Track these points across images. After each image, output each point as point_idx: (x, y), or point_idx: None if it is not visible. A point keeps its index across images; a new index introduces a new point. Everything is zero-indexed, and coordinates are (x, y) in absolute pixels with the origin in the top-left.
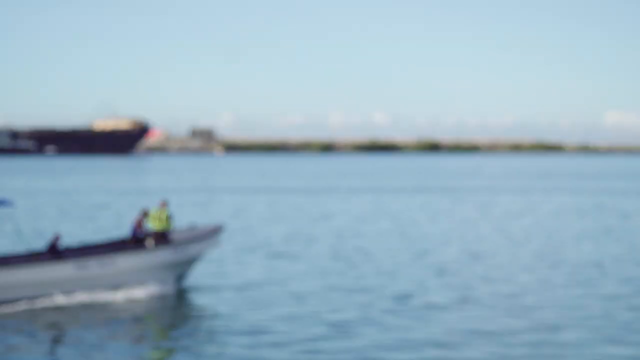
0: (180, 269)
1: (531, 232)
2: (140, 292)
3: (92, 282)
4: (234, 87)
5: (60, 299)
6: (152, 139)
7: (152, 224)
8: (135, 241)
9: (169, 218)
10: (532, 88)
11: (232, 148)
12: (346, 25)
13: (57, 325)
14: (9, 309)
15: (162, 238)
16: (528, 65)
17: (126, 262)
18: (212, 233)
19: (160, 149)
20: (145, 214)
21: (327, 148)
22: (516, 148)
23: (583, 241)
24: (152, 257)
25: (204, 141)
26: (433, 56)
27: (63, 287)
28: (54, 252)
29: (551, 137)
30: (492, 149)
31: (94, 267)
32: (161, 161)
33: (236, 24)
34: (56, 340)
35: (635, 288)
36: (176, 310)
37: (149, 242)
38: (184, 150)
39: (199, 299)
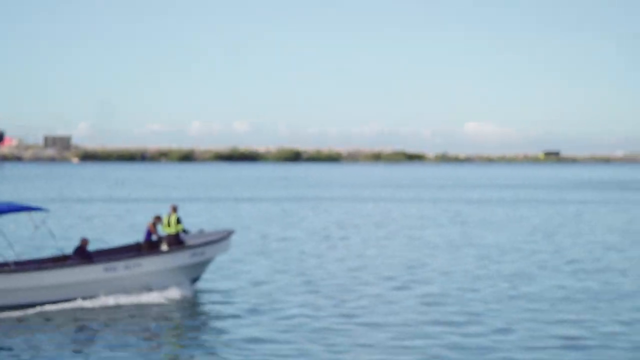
0: (197, 271)
1: (381, 240)
2: (163, 294)
3: (119, 284)
4: (90, 95)
5: (89, 301)
6: (4, 147)
7: (164, 229)
8: (149, 245)
9: (178, 221)
10: (394, 98)
11: (89, 157)
12: (207, 32)
13: (83, 326)
14: (41, 310)
15: (175, 241)
16: (389, 75)
17: (151, 264)
18: (224, 237)
19: (14, 158)
20: (157, 219)
21: (187, 157)
22: (377, 157)
23: (437, 250)
24: (174, 260)
25: (59, 150)
26: (294, 65)
27: (93, 288)
28: (84, 256)
29: (413, 147)
30: (353, 158)
31: (121, 269)
32: (14, 169)
33: (93, 31)
34: (83, 341)
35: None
36: (195, 311)
37: (163, 245)
38: (38, 159)
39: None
